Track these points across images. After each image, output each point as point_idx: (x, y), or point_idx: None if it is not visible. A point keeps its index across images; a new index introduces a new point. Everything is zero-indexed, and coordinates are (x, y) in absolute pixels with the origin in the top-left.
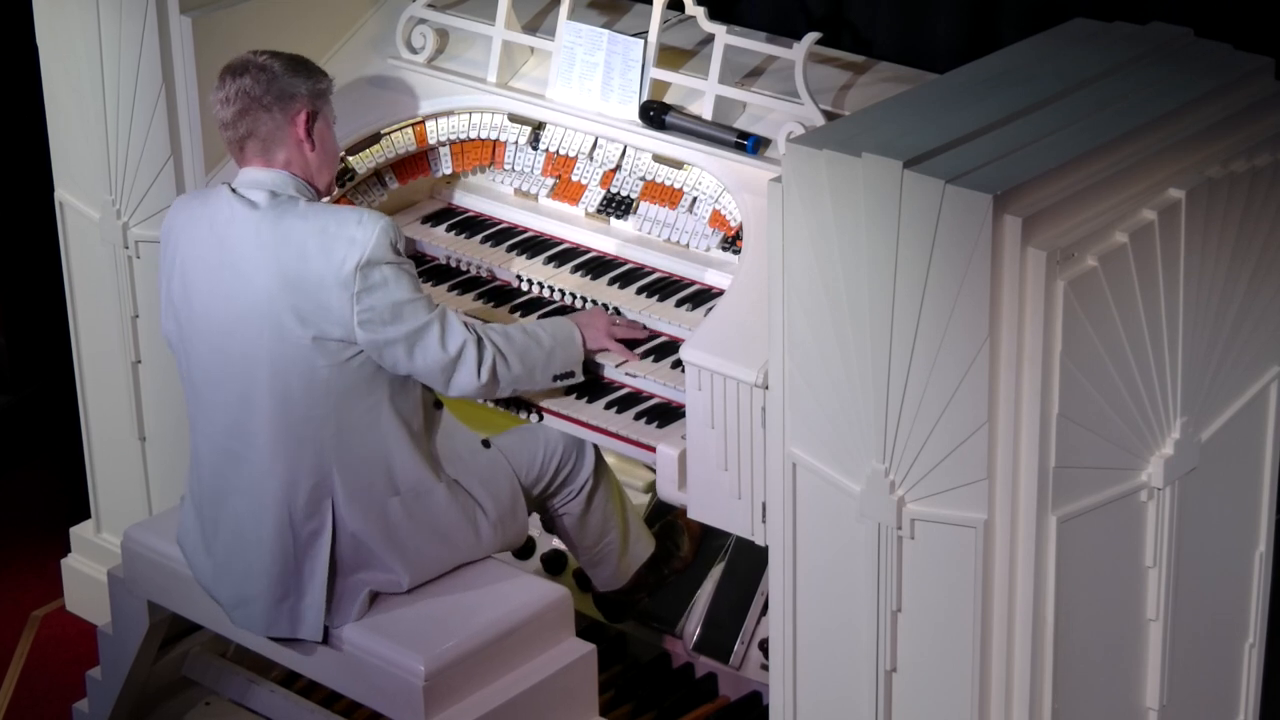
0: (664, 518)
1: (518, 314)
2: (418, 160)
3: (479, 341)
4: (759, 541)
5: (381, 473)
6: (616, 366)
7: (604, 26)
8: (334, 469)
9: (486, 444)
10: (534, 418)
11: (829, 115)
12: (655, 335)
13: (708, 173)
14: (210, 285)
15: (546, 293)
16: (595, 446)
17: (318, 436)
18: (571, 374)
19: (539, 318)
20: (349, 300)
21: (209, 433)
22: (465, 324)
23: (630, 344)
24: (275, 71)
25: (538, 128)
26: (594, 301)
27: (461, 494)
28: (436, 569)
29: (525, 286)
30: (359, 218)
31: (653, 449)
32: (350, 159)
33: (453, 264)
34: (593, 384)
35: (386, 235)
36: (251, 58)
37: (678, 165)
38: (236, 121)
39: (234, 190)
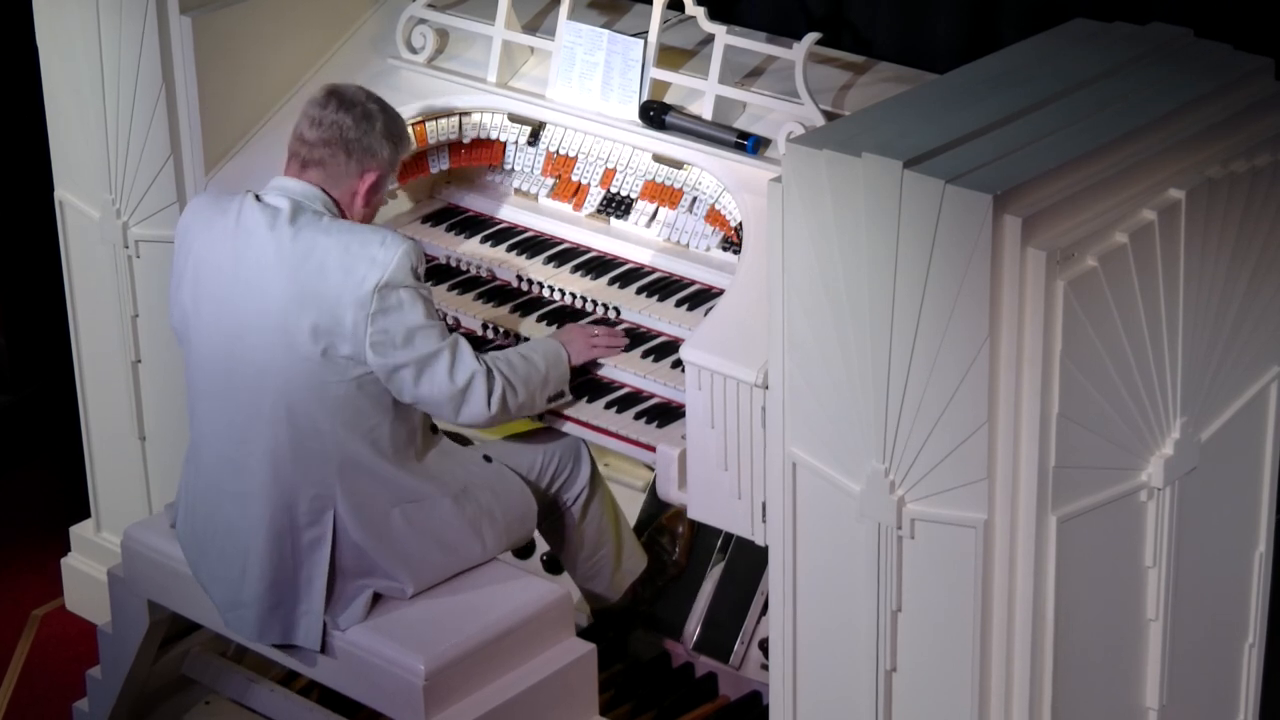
0: (652, 524)
1: (518, 314)
2: (417, 160)
3: (488, 373)
4: (759, 541)
5: (384, 484)
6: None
7: (604, 26)
8: (337, 480)
9: (488, 459)
10: (534, 418)
11: (829, 115)
12: (652, 335)
13: (708, 173)
14: (222, 295)
15: (546, 293)
16: (592, 458)
17: (323, 450)
18: (562, 394)
19: (527, 332)
20: (364, 320)
21: (210, 436)
22: (475, 356)
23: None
24: (375, 126)
25: (538, 128)
26: (594, 301)
27: (470, 503)
28: (440, 575)
29: (525, 286)
30: (382, 238)
31: (653, 449)
32: None
33: (452, 264)
34: (593, 384)
35: (408, 258)
36: (363, 99)
37: (678, 165)
38: (315, 145)
39: (258, 198)
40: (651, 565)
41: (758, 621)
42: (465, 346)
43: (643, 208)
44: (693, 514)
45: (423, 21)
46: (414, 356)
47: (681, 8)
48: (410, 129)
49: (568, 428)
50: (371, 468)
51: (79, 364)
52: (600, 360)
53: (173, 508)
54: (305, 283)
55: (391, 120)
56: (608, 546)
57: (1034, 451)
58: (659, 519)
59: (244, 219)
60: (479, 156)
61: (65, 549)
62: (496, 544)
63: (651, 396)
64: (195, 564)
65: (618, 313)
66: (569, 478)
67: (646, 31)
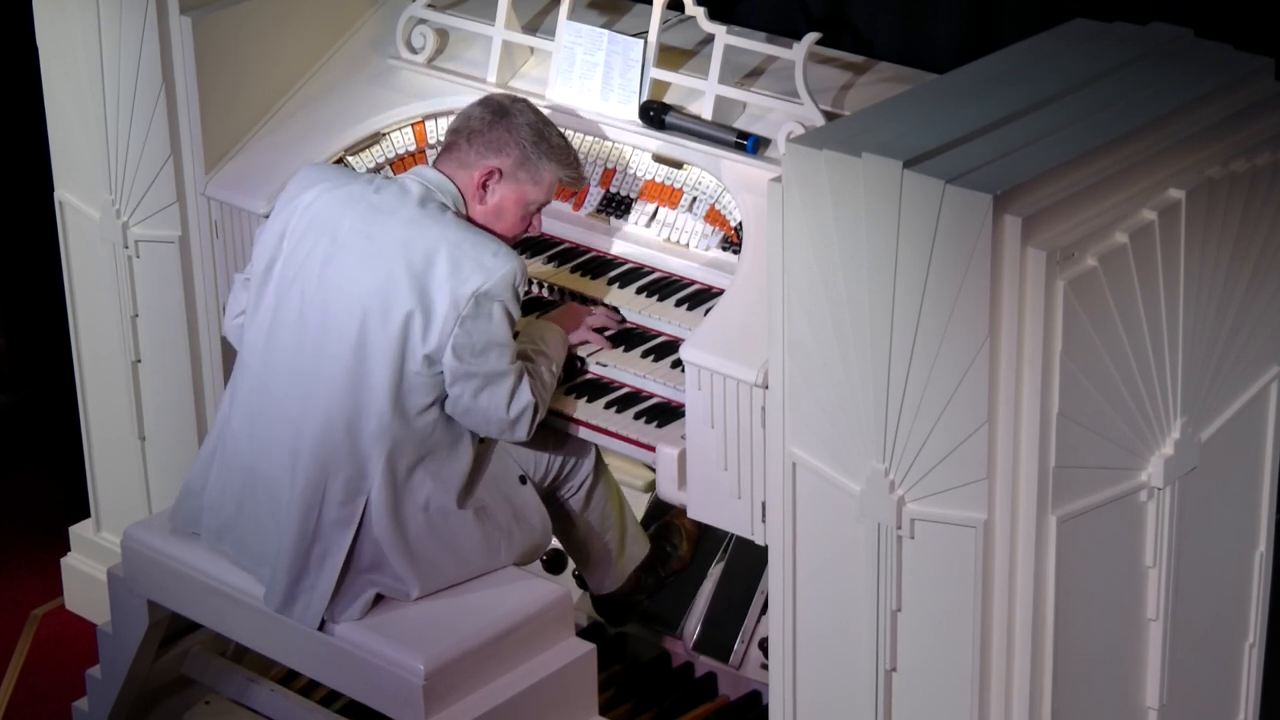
0: (661, 518)
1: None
2: (417, 160)
3: (535, 407)
4: (759, 541)
5: (418, 485)
6: (589, 355)
7: (604, 26)
8: (379, 467)
9: (523, 480)
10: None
11: (829, 115)
12: (652, 335)
13: (708, 172)
14: (331, 255)
15: (546, 293)
16: (596, 446)
17: (376, 431)
18: (559, 378)
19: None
20: (454, 320)
21: (276, 392)
22: (530, 387)
23: (607, 330)
24: (509, 123)
25: None
26: (594, 301)
27: (491, 521)
28: (446, 583)
29: (525, 286)
30: (496, 248)
31: (653, 449)
32: (350, 159)
33: None
34: (593, 384)
35: (514, 275)
36: (508, 102)
37: (678, 165)
38: (449, 134)
39: (392, 179)
40: (655, 554)
41: (758, 621)
42: (527, 379)
43: (642, 208)
44: (693, 514)
45: (423, 21)
46: (484, 369)
47: (681, 8)
48: (412, 128)
49: (567, 428)
50: (415, 464)
51: (79, 364)
52: (601, 362)
53: (177, 508)
54: (412, 268)
55: (534, 123)
56: (611, 533)
57: (1034, 451)
58: (670, 511)
59: (379, 192)
60: None
61: (65, 549)
62: (507, 561)
63: (651, 396)
64: (230, 503)
65: (617, 313)
66: (576, 463)
67: (646, 31)
